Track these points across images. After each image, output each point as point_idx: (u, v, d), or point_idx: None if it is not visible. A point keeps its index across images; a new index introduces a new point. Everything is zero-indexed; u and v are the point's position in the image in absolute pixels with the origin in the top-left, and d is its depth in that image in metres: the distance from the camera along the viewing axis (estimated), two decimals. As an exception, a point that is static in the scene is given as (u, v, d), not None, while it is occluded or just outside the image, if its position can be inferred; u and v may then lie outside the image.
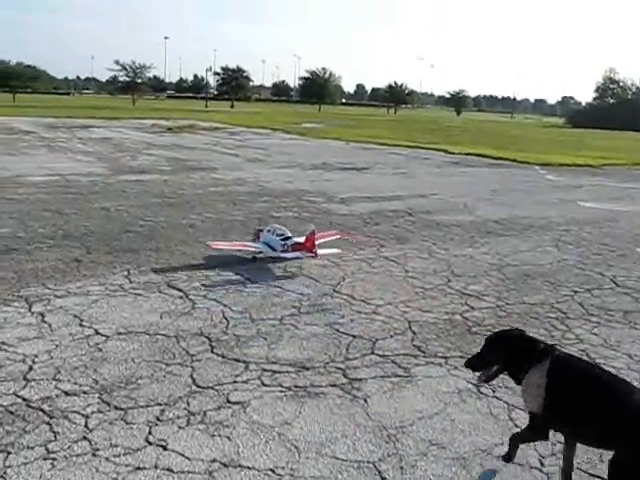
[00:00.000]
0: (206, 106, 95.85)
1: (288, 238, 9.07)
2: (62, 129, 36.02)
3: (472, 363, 4.15)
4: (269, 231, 9.35)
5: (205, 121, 48.84)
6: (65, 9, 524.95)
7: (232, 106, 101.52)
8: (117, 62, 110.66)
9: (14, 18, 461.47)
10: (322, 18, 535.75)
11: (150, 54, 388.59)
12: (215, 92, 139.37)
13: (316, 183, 17.27)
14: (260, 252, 9.22)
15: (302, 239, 8.97)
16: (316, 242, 8.84)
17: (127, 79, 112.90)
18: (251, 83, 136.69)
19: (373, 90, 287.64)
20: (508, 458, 4.33)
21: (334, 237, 10.11)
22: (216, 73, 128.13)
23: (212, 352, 5.91)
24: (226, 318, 6.77)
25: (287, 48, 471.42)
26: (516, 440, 4.29)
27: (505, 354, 4.01)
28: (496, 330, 4.54)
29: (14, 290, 7.42)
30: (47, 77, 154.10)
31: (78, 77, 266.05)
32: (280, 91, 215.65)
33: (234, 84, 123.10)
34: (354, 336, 6.44)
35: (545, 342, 4.15)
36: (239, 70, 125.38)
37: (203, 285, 7.87)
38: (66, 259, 8.82)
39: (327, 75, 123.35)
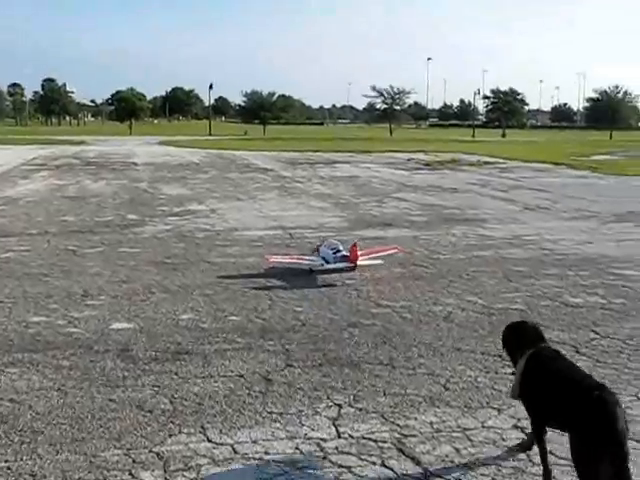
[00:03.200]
0: (473, 135, 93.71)
1: (339, 251, 11.16)
2: (304, 165, 35.72)
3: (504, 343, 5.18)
4: (325, 246, 11.51)
5: (471, 154, 46.37)
6: (324, 34, 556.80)
7: (503, 135, 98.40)
8: (374, 88, 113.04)
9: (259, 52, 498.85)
10: (613, 27, 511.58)
11: (411, 78, 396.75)
12: (484, 119, 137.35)
13: (625, 244, 13.84)
14: (318, 265, 11.05)
15: (347, 252, 11.04)
16: (359, 254, 11.03)
17: (385, 106, 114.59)
18: (526, 107, 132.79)
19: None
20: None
21: (391, 252, 12.03)
22: (485, 97, 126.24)
23: None
24: None
25: (569, 65, 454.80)
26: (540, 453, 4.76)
27: (505, 342, 5.15)
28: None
29: (155, 440, 5.31)
30: (300, 107, 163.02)
31: (334, 105, 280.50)
32: (561, 116, 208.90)
33: (506, 109, 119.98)
34: None
35: (541, 334, 4.94)
36: (512, 92, 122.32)
37: (455, 451, 5.19)
38: (252, 376, 6.65)
39: (620, 95, 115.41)
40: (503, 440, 5.36)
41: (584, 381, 4.43)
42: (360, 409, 5.94)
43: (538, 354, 4.74)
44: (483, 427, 5.59)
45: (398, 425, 5.63)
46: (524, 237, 14.47)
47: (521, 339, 4.89)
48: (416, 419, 5.74)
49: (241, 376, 6.66)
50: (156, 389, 6.32)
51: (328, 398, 6.16)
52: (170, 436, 5.41)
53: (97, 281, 10.37)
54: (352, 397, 6.18)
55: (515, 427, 5.57)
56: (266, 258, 11.55)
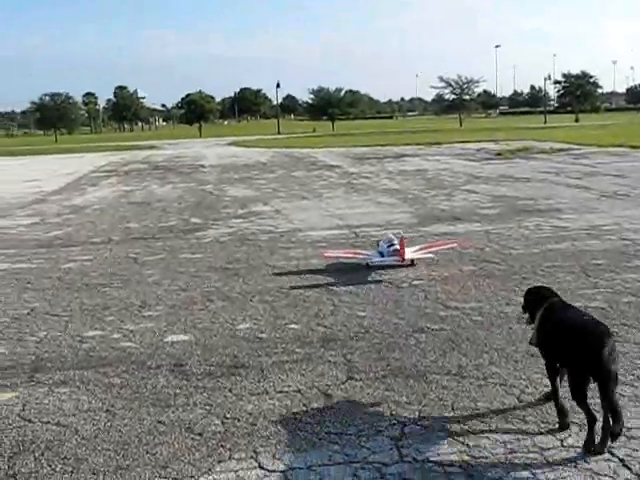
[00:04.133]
0: (545, 122, 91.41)
1: (392, 245, 11.06)
2: (371, 160, 35.17)
3: (523, 307, 5.94)
4: (383, 240, 11.53)
5: (543, 141, 45.02)
6: (388, 24, 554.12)
7: (577, 119, 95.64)
8: (441, 78, 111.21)
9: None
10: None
11: (480, 65, 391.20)
12: (556, 104, 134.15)
13: None
14: (373, 259, 11.06)
15: (398, 246, 10.87)
16: (412, 248, 11.18)
17: (454, 96, 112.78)
18: (599, 90, 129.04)
19: None
20: (562, 419, 5.29)
21: (451, 245, 11.83)
22: (556, 82, 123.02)
23: None
24: None
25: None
26: (552, 391, 5.43)
27: (526, 302, 5.86)
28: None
29: (203, 467, 4.92)
30: (369, 101, 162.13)
31: (402, 99, 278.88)
32: (637, 97, 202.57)
33: (579, 93, 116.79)
34: None
35: (555, 293, 5.72)
36: (585, 76, 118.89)
37: (532, 476, 4.65)
38: (310, 391, 6.20)
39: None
40: (586, 462, 4.79)
41: (583, 324, 5.14)
42: (425, 427, 5.42)
43: (552, 304, 5.51)
44: (562, 447, 5.02)
45: (467, 445, 5.10)
46: (602, 227, 13.65)
47: (540, 297, 5.67)
48: (488, 438, 5.21)
49: (298, 391, 6.22)
50: (208, 408, 5.94)
51: (391, 415, 5.67)
52: (219, 462, 5.01)
53: (156, 290, 10.10)
54: (417, 413, 5.67)
55: (599, 445, 4.99)
56: (322, 253, 11.85)
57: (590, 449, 4.88)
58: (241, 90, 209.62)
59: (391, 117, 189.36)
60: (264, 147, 54.14)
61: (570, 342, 4.97)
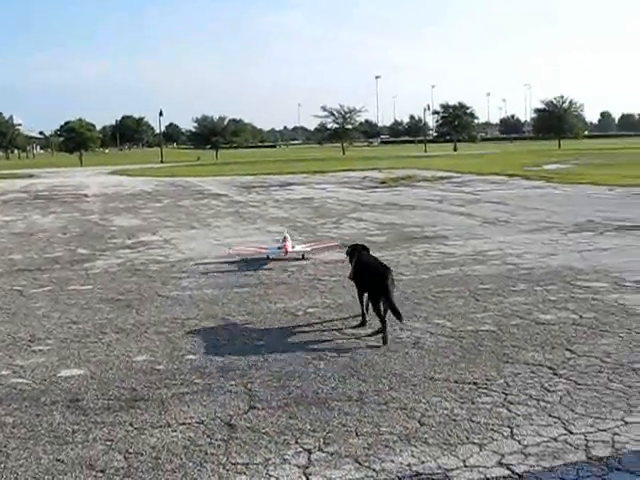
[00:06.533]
0: (425, 151, 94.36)
1: (284, 240, 14.17)
2: (258, 189, 35.28)
3: (347, 253, 9.75)
4: (282, 237, 14.50)
5: (425, 169, 46.43)
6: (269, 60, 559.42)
7: (455, 149, 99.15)
8: (324, 108, 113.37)
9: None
10: (552, 40, 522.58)
11: (361, 96, 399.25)
12: (435, 134, 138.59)
13: (587, 255, 13.56)
14: (274, 254, 13.92)
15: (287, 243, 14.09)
16: (288, 244, 13.99)
17: (336, 126, 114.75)
18: (476, 120, 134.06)
19: (622, 117, 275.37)
20: (364, 320, 9.04)
21: (331, 244, 15.14)
22: (435, 112, 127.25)
23: None
24: None
25: (514, 77, 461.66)
26: (360, 305, 9.02)
27: (348, 253, 9.66)
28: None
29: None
30: (252, 130, 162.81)
31: (285, 127, 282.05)
32: (509, 127, 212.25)
33: (456, 123, 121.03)
34: None
35: (366, 247, 9.53)
36: (462, 107, 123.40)
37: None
38: (213, 422, 6.13)
39: (566, 105, 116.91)
40: (488, 480, 4.95)
41: (376, 266, 8.83)
42: (331, 453, 5.47)
43: (361, 254, 9.27)
44: (465, 466, 5.18)
45: (374, 470, 5.18)
46: (487, 253, 14.16)
47: (355, 249, 9.48)
48: (392, 461, 5.30)
49: (201, 423, 6.16)
50: (109, 443, 5.79)
51: (296, 442, 5.69)
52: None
53: (45, 324, 9.77)
54: (322, 440, 5.71)
55: (500, 464, 5.17)
56: (227, 250, 14.80)
57: (386, 340, 8.14)
58: (122, 118, 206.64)
59: (274, 146, 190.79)
60: (148, 176, 53.47)
61: (369, 276, 8.58)
